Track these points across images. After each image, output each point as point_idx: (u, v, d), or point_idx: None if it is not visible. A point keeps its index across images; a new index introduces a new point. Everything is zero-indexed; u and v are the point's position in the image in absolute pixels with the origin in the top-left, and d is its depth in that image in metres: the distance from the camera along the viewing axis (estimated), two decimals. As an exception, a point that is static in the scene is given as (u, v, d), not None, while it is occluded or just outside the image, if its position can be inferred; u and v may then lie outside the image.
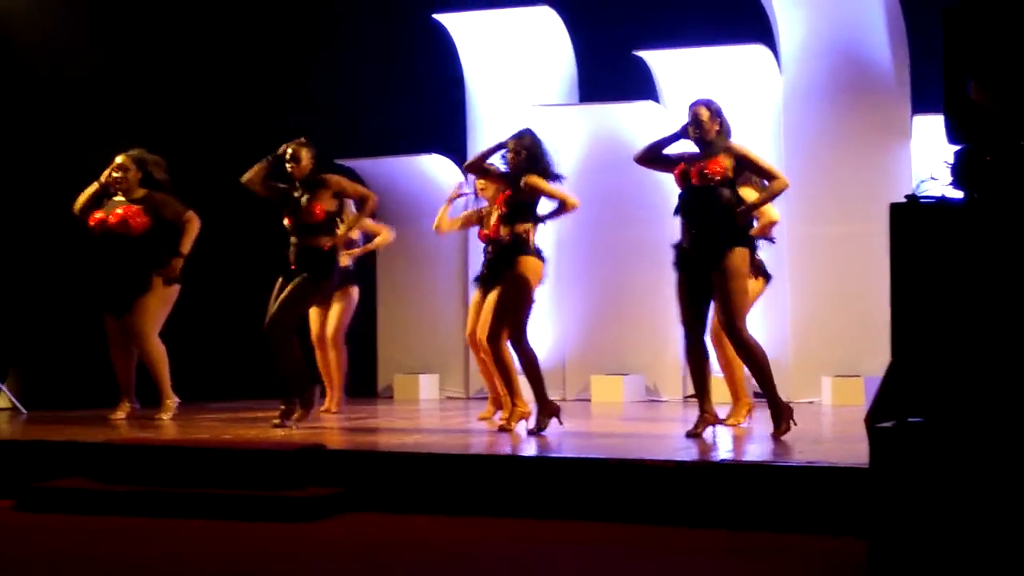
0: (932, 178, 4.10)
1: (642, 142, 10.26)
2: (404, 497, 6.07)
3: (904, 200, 4.08)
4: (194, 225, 8.26)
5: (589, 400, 10.03)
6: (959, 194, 4.13)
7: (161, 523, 5.86)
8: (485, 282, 7.83)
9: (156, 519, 5.94)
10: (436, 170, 10.88)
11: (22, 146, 9.55)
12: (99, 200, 8.33)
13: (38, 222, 9.48)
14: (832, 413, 8.63)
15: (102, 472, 6.39)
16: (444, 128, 11.02)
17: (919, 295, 4.01)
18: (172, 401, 8.34)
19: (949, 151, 4.19)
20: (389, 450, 6.48)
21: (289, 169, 7.71)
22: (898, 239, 4.03)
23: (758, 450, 6.46)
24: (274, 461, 6.18)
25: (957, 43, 4.08)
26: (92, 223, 8.24)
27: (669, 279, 10.16)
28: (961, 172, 4.08)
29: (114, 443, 6.66)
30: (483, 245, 7.97)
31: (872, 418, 4.17)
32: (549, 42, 10.69)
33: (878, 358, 5.94)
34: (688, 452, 6.19)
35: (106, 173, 8.29)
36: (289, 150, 7.71)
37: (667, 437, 7.21)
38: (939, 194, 4.08)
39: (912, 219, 4.02)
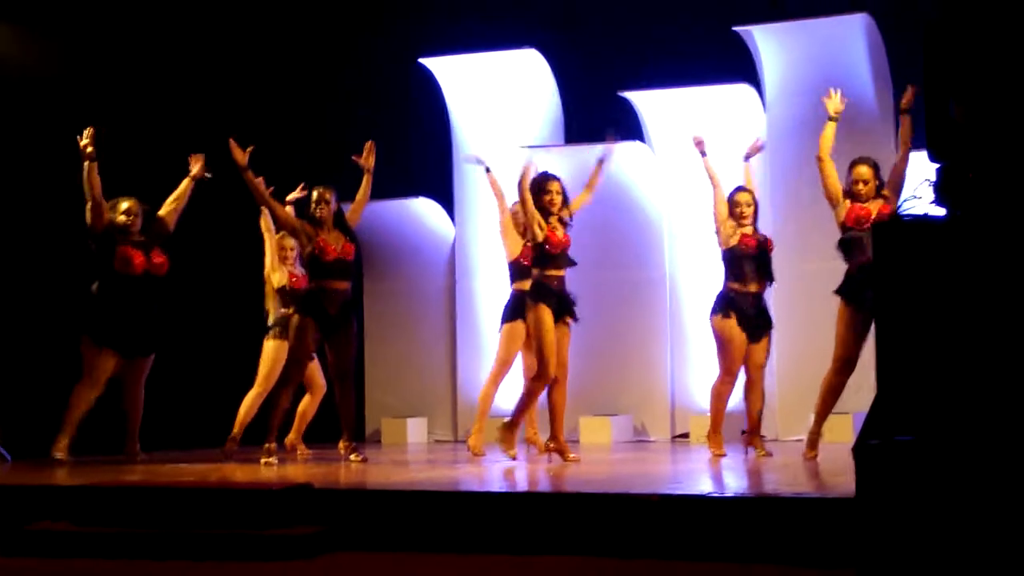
0: (915, 196, 4.09)
1: (629, 182, 10.44)
2: (392, 535, 6.01)
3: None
4: None
5: (577, 441, 9.97)
6: (941, 211, 4.12)
7: (146, 565, 5.80)
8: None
9: (141, 561, 5.87)
10: (423, 213, 10.87)
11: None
12: None
13: (16, 265, 9.44)
14: (821, 450, 8.56)
15: (84, 515, 6.32)
16: (431, 171, 11.02)
17: (903, 311, 3.99)
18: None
19: (931, 170, 4.19)
20: (376, 488, 6.43)
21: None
22: (881, 257, 4.01)
23: (747, 483, 6.41)
24: (261, 500, 6.13)
25: (938, 59, 4.08)
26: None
27: (657, 318, 10.34)
28: (943, 189, 4.08)
29: (96, 486, 6.59)
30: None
31: (859, 447, 4.13)
32: (535, 84, 10.70)
33: (867, 395, 5.90)
34: (674, 486, 6.14)
35: None
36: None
37: (655, 474, 7.17)
38: (921, 211, 4.07)
39: (894, 236, 4.01)
